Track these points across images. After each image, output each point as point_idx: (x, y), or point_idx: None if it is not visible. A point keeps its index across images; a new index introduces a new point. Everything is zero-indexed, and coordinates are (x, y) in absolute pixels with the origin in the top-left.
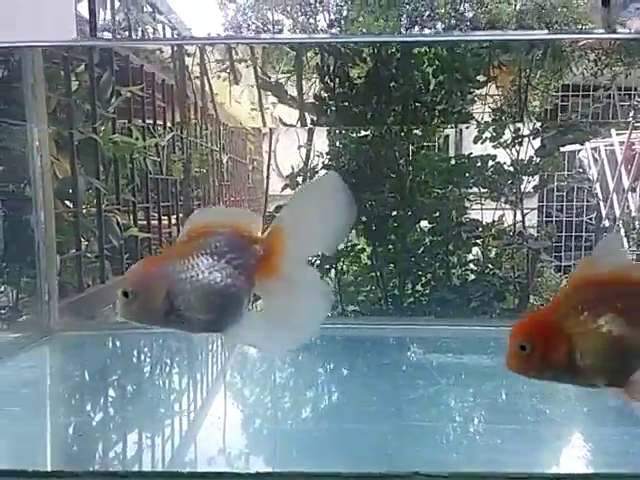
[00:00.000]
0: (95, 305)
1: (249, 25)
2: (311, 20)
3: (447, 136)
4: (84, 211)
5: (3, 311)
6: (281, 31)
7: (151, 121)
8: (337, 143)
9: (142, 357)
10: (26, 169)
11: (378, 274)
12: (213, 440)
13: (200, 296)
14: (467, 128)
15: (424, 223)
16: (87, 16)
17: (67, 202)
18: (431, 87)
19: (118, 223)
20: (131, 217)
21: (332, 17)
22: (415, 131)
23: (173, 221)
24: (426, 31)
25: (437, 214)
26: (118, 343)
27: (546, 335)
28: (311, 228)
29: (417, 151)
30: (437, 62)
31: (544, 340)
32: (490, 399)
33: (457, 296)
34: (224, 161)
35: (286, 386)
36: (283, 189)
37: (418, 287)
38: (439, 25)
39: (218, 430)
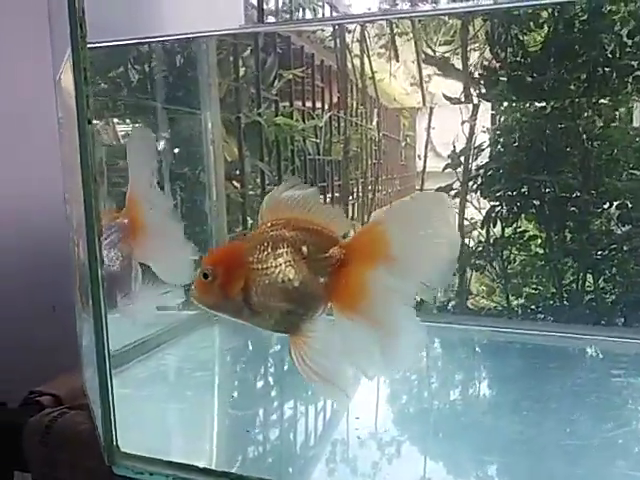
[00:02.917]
0: None
1: None
2: None
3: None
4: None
5: None
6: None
7: (310, 102)
8: (507, 118)
9: None
10: (201, 155)
11: (552, 265)
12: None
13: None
14: None
15: (612, 209)
16: (252, 1)
17: (234, 183)
18: (625, 50)
19: None
20: None
21: None
22: (602, 101)
23: (327, 200)
24: None
25: (630, 198)
26: None
27: (228, 265)
28: None
29: (606, 125)
30: (633, 21)
31: (226, 269)
32: None
33: None
34: (378, 139)
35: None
36: (444, 168)
37: (601, 283)
38: None
39: None
